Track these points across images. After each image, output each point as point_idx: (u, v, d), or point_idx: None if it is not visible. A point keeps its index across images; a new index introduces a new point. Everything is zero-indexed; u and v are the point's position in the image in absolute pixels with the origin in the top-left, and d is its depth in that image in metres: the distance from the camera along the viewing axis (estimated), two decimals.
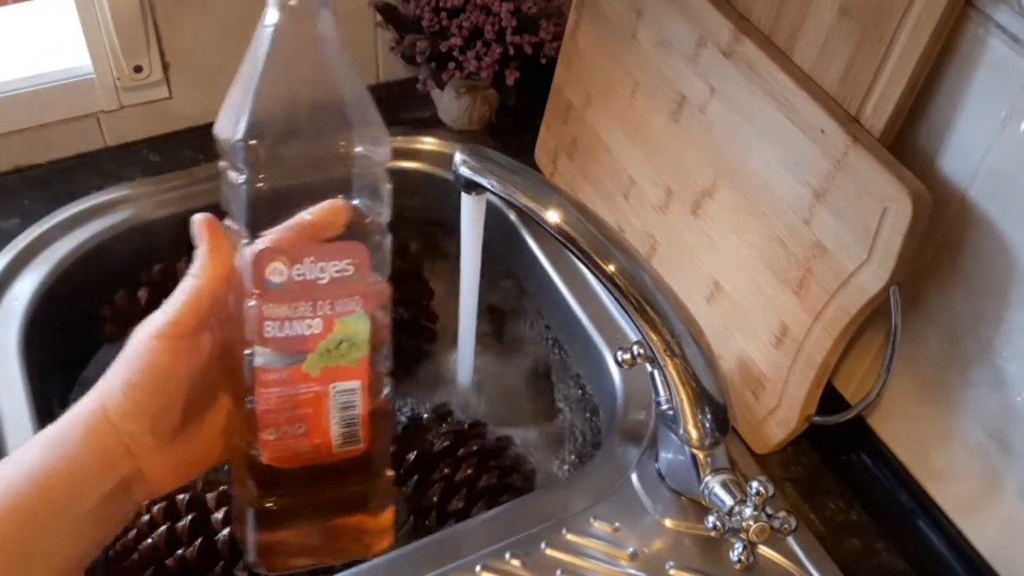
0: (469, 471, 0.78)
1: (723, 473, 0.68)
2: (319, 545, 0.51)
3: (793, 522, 0.64)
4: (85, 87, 0.95)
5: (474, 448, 0.80)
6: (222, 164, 0.49)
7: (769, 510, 0.65)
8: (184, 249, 0.90)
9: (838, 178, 0.66)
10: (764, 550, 0.70)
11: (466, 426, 0.83)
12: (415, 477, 0.80)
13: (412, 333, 0.92)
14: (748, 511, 0.64)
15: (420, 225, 1.04)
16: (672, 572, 0.70)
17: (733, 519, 0.65)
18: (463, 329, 0.84)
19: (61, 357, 0.87)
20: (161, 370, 0.46)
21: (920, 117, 0.65)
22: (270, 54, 0.47)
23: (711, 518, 0.66)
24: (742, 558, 0.66)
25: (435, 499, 0.78)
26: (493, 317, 0.98)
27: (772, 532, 0.64)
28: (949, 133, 0.64)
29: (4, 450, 0.74)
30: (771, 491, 0.64)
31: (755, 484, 0.64)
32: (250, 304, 0.46)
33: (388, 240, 0.49)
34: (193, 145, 1.01)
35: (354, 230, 0.48)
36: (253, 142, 0.46)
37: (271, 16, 0.47)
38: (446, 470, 0.79)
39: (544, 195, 0.65)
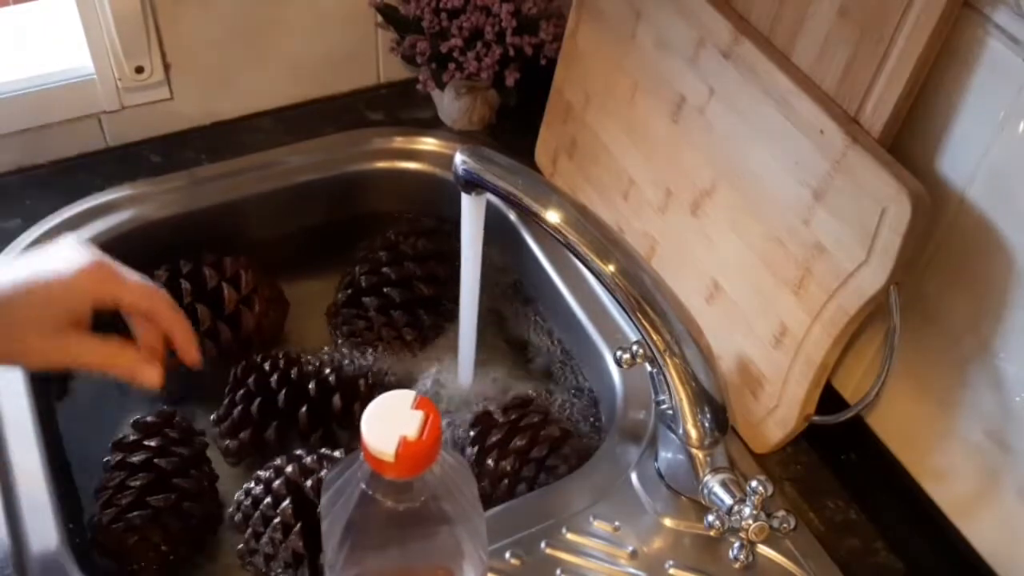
0: (520, 443, 0.80)
1: (722, 472, 0.69)
2: None
3: (792, 521, 0.64)
4: (86, 88, 0.95)
5: (535, 421, 0.82)
6: None
7: (768, 509, 0.65)
8: (185, 250, 0.92)
9: (837, 178, 0.66)
10: (763, 549, 0.70)
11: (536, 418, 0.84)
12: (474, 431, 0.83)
13: (433, 310, 0.93)
14: (747, 510, 0.65)
15: (420, 225, 1.04)
16: (672, 571, 0.70)
17: (732, 518, 0.66)
18: (463, 329, 0.84)
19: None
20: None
21: (919, 118, 0.66)
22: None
23: (710, 517, 0.67)
24: (741, 557, 0.66)
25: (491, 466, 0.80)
26: (493, 317, 0.98)
27: (771, 531, 0.65)
28: (948, 134, 0.65)
29: (5, 450, 0.74)
30: (770, 490, 0.64)
31: (754, 483, 0.64)
32: None
33: None
34: (195, 146, 1.01)
35: None
36: None
37: None
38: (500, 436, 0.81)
39: (544, 196, 0.66)
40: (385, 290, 0.92)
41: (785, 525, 0.64)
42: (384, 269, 0.93)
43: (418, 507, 0.50)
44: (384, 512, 0.50)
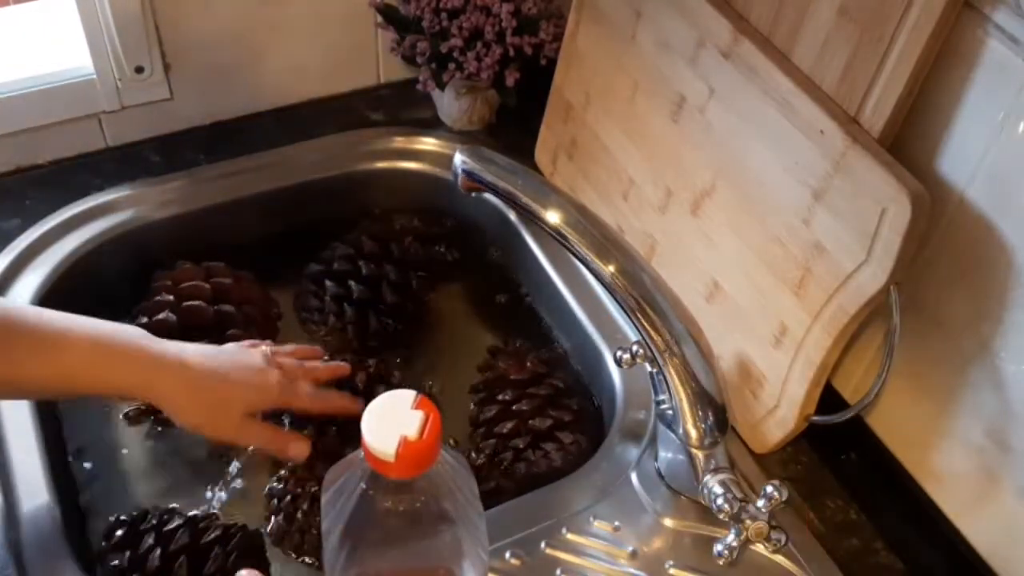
0: (525, 407, 0.83)
1: (722, 472, 0.69)
2: None
3: (783, 539, 0.64)
4: (86, 87, 0.96)
5: (542, 392, 0.84)
6: None
7: (774, 518, 0.65)
8: (184, 250, 0.92)
9: (837, 178, 0.66)
10: (762, 549, 0.70)
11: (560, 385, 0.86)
12: (483, 394, 0.86)
13: (391, 317, 0.92)
14: (761, 508, 0.64)
15: (424, 230, 1.04)
16: (671, 571, 0.70)
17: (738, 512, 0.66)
18: None
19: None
20: None
21: (919, 118, 0.66)
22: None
23: (719, 500, 0.66)
24: (724, 553, 0.65)
25: (490, 416, 0.84)
26: (492, 317, 0.98)
27: (764, 537, 0.64)
28: (948, 134, 0.65)
29: (5, 451, 0.74)
30: (784, 495, 0.64)
31: (769, 488, 0.64)
32: None
33: None
34: (194, 146, 1.01)
35: None
36: None
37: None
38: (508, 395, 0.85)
39: (544, 196, 0.66)
40: (350, 282, 0.91)
41: (778, 540, 0.64)
42: (360, 261, 0.92)
43: (418, 507, 0.50)
44: (384, 512, 0.50)
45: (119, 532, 0.73)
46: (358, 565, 0.52)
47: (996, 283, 0.63)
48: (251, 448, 0.81)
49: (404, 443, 0.47)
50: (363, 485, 0.50)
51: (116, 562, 0.71)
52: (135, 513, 0.74)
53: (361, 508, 0.51)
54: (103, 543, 0.73)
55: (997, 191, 0.62)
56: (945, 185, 0.65)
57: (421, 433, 0.48)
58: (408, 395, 0.50)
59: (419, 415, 0.48)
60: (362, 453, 0.49)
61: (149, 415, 0.84)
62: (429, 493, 0.50)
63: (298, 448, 0.75)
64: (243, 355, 0.76)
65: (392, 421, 0.48)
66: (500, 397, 0.84)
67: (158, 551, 0.70)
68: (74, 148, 0.99)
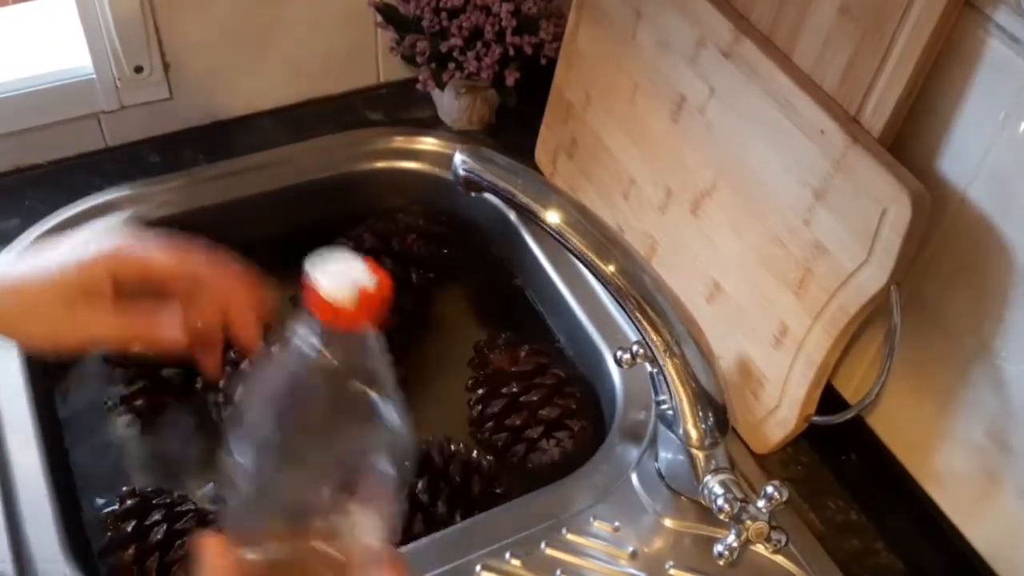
0: (535, 397, 0.83)
1: (722, 473, 0.69)
2: None
3: (784, 540, 0.64)
4: (86, 87, 0.95)
5: (548, 382, 0.84)
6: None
7: (775, 518, 0.65)
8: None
9: (837, 178, 0.66)
10: (763, 549, 0.70)
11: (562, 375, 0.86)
12: (483, 389, 0.86)
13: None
14: (761, 508, 0.64)
15: (428, 229, 1.03)
16: (672, 572, 0.70)
17: (738, 512, 0.66)
18: None
19: (61, 356, 0.87)
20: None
21: (920, 117, 0.65)
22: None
23: (720, 500, 0.66)
24: (725, 553, 0.65)
25: (497, 410, 0.84)
26: (493, 316, 0.98)
27: (765, 538, 0.64)
28: (948, 133, 0.64)
29: (5, 451, 0.74)
30: (785, 496, 0.64)
31: (769, 488, 0.64)
32: None
33: None
34: (193, 145, 1.01)
35: None
36: None
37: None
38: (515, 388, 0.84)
39: (544, 196, 0.66)
40: None
41: (778, 541, 0.64)
42: (359, 254, 0.92)
43: (355, 387, 0.48)
44: (324, 377, 0.48)
45: (130, 502, 0.73)
46: (279, 456, 0.48)
47: (997, 283, 0.63)
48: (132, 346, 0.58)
49: (361, 291, 0.46)
50: (306, 350, 0.47)
51: (123, 522, 0.72)
52: (150, 489, 0.75)
53: (297, 374, 0.48)
54: (116, 504, 0.73)
55: (998, 191, 0.62)
56: (946, 185, 0.65)
57: (373, 282, 0.47)
58: (348, 251, 0.48)
59: (366, 266, 0.47)
60: (301, 318, 0.47)
61: (153, 412, 0.84)
62: (365, 371, 0.48)
63: (169, 332, 0.56)
64: (76, 235, 0.57)
65: (342, 272, 0.47)
66: (505, 390, 0.84)
67: (164, 527, 0.71)
68: (73, 148, 0.99)
